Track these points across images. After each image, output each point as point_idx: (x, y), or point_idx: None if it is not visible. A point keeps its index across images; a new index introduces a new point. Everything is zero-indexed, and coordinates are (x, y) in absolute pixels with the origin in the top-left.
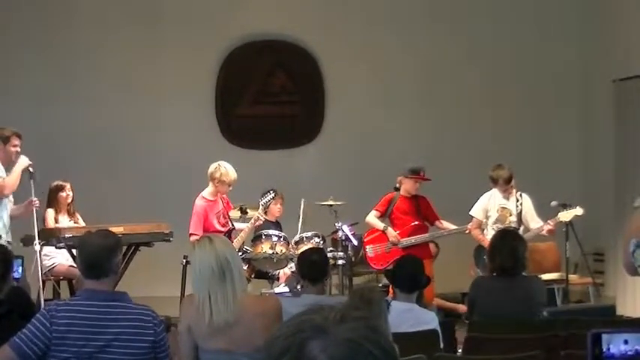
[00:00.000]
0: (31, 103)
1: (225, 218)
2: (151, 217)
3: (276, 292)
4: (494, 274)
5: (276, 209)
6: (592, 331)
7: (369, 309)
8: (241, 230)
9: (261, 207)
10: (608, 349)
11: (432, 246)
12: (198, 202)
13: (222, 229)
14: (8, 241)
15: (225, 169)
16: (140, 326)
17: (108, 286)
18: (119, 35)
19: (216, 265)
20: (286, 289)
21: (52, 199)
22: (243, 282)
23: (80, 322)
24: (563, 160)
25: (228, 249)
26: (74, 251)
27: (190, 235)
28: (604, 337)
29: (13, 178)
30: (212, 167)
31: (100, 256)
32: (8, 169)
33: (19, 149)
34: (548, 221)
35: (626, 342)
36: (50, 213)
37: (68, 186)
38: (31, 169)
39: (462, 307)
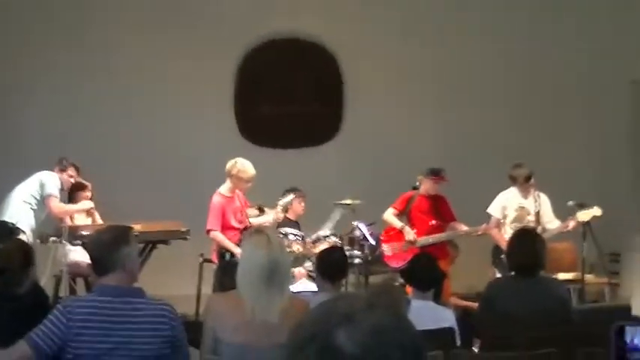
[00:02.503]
0: (45, 101)
1: (242, 215)
2: (168, 216)
3: (292, 291)
4: (512, 274)
5: (299, 208)
6: (616, 324)
7: (392, 298)
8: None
9: (279, 207)
10: (632, 340)
11: (450, 248)
12: (215, 199)
13: (239, 226)
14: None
15: (243, 166)
16: (158, 322)
17: (119, 280)
18: (137, 34)
19: (268, 266)
20: (302, 288)
21: (71, 198)
22: (289, 286)
23: (97, 317)
24: (580, 161)
25: (281, 251)
26: None
27: (208, 231)
28: (627, 329)
29: (66, 209)
30: (230, 164)
31: (101, 251)
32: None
33: (72, 180)
34: (568, 221)
35: None
36: None
37: (90, 186)
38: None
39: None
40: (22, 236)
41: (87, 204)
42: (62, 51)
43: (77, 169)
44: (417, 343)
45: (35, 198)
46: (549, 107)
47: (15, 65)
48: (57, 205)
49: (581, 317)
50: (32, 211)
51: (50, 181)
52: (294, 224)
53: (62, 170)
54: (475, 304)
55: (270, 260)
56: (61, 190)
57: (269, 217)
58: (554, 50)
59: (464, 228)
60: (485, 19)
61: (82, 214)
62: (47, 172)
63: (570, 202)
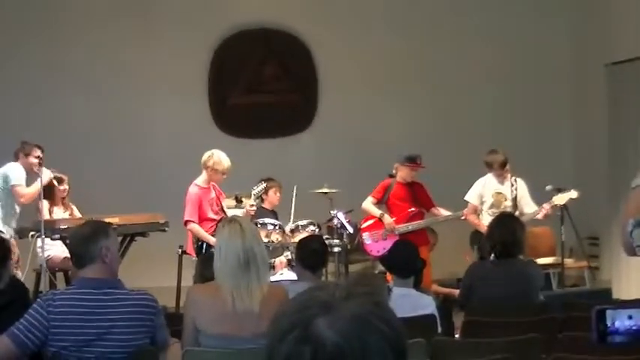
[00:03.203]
0: (23, 96)
1: (218, 206)
2: (145, 208)
3: (272, 280)
4: (492, 256)
5: (275, 198)
6: (596, 308)
7: (372, 286)
8: None
9: (252, 197)
10: (613, 324)
11: (429, 234)
12: (192, 190)
13: (216, 217)
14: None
15: (219, 158)
16: (138, 312)
17: (98, 273)
18: (110, 26)
19: (243, 255)
20: (282, 277)
21: (48, 191)
22: (268, 273)
23: (77, 309)
24: (558, 145)
25: (256, 239)
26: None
27: (186, 222)
28: (608, 312)
29: (33, 190)
30: (206, 155)
31: (79, 244)
32: (29, 179)
33: (40, 161)
34: (544, 205)
35: (630, 317)
36: (45, 204)
37: (66, 179)
38: (55, 182)
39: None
40: None
41: (46, 174)
42: (31, 40)
43: (41, 148)
44: (397, 331)
45: (2, 192)
46: (525, 92)
47: None
48: (23, 192)
49: (562, 301)
50: (2, 206)
51: (12, 172)
52: (272, 214)
53: (27, 155)
54: (455, 291)
55: (245, 249)
56: (29, 174)
57: (241, 210)
58: (529, 35)
59: (445, 213)
60: (462, 5)
61: (60, 209)
62: (9, 164)
63: (548, 187)
